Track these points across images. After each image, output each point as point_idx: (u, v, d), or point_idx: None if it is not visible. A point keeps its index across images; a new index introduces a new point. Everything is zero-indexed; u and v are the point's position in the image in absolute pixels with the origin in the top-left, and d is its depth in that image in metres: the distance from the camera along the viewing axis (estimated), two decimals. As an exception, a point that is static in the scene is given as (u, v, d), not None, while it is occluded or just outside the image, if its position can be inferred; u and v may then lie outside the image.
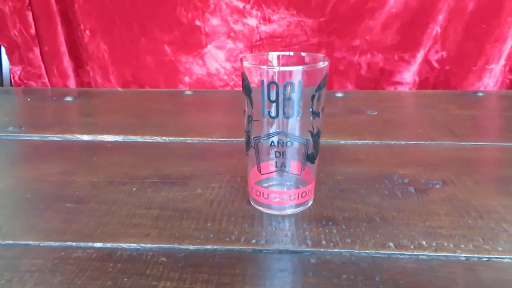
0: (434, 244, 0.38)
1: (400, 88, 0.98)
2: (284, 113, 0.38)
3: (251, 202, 0.45)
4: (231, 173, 0.52)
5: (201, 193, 0.48)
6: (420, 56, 0.95)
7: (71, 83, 1.01)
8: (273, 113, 0.38)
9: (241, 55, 0.95)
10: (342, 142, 0.64)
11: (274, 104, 0.38)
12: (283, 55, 0.43)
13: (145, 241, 0.39)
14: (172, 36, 0.95)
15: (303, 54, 0.43)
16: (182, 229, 0.41)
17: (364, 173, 0.53)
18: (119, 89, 0.99)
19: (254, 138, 0.41)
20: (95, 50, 0.98)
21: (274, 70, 0.37)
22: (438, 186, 0.50)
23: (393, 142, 0.64)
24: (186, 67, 0.97)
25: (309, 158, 0.41)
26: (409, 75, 0.97)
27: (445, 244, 0.38)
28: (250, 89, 0.39)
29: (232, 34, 0.95)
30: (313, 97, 0.39)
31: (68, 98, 0.87)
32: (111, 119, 0.76)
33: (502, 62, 0.97)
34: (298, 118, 0.39)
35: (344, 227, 0.41)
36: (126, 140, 0.65)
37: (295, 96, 0.38)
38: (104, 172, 0.53)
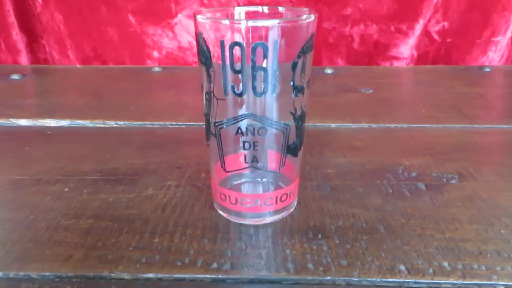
0: (460, 266, 0.28)
1: (396, 64, 0.87)
2: (254, 88, 0.27)
3: (216, 208, 0.34)
4: (194, 167, 0.42)
5: (152, 194, 0.37)
6: (419, 27, 0.85)
7: (23, 59, 0.89)
8: (239, 89, 0.27)
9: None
10: (333, 125, 0.53)
11: (240, 76, 0.27)
12: (254, 11, 0.32)
13: (64, 268, 0.28)
14: (137, 4, 0.82)
15: (281, 9, 0.32)
16: (118, 248, 0.30)
17: (361, 165, 0.43)
18: (78, 66, 0.87)
19: (215, 123, 0.30)
20: (49, 20, 0.85)
21: (239, 25, 0.26)
22: (454, 181, 0.39)
23: (393, 125, 0.53)
24: (154, 40, 0.85)
25: (291, 149, 0.31)
26: (406, 48, 0.86)
27: (475, 266, 0.28)
28: (207, 55, 0.28)
29: (205, 1, 0.82)
30: (294, 65, 0.28)
31: (15, 76, 0.75)
32: (59, 100, 0.65)
33: (509, 34, 0.86)
34: (275, 95, 0.28)
35: (337, 241, 0.31)
36: (73, 126, 0.54)
37: (270, 63, 0.27)
38: (33, 167, 0.42)
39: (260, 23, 0.26)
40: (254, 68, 0.26)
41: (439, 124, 0.53)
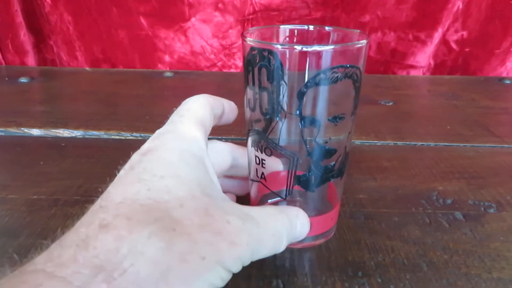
0: (515, 313, 0.26)
1: (412, 72, 0.85)
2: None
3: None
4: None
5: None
6: (437, 35, 0.82)
7: (31, 60, 0.86)
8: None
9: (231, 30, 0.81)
10: (357, 142, 0.51)
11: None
12: (299, 30, 0.30)
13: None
14: (149, 6, 0.80)
15: (327, 28, 0.30)
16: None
17: (393, 189, 0.41)
18: (87, 68, 0.84)
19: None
20: (57, 21, 0.83)
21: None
22: (492, 210, 0.38)
23: (419, 143, 0.51)
24: (166, 43, 0.83)
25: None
26: (424, 57, 0.84)
27: (532, 315, 0.26)
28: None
29: (220, 5, 0.80)
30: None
31: (23, 79, 0.73)
32: (71, 107, 0.63)
33: (529, 44, 0.84)
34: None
35: (379, 280, 0.29)
36: (87, 137, 0.52)
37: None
38: (50, 185, 0.40)
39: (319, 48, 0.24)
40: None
41: (467, 143, 0.51)
